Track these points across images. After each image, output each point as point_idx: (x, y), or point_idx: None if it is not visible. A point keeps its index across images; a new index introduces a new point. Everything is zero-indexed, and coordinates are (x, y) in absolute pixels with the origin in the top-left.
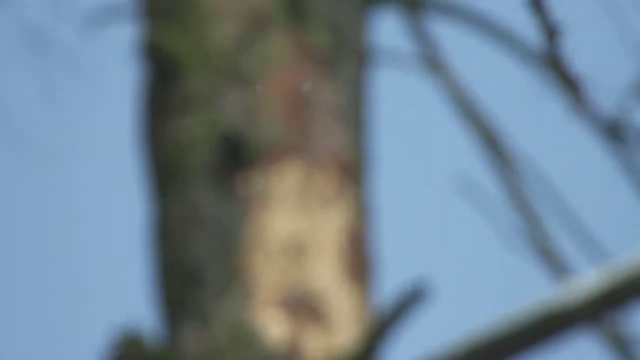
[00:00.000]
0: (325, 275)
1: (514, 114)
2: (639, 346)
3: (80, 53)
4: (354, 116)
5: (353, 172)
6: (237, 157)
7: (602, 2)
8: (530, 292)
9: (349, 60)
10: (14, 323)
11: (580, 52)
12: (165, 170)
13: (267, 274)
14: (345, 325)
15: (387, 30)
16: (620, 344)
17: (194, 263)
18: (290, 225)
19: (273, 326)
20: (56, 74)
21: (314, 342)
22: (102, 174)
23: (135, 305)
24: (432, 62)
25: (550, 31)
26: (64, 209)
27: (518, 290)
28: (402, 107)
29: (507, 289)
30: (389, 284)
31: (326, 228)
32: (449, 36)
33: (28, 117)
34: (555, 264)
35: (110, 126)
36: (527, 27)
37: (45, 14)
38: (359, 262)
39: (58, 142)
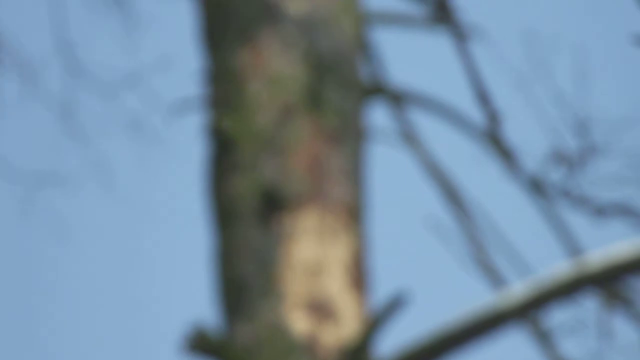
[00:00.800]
0: (335, 286)
1: (467, 175)
2: (556, 338)
3: (167, 132)
4: (356, 176)
5: (355, 215)
6: (273, 205)
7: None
8: (476, 299)
9: (352, 136)
10: (114, 320)
11: (512, 128)
12: (224, 214)
13: (294, 286)
14: (349, 322)
15: (378, 115)
16: (542, 337)
17: (243, 279)
18: (310, 251)
19: (298, 323)
20: (149, 148)
21: (328, 334)
22: (181, 218)
23: (203, 310)
24: (409, 138)
25: (492, 115)
26: (154, 242)
27: (468, 297)
28: (390, 170)
29: (461, 297)
30: (380, 293)
31: (336, 254)
32: (421, 119)
33: (131, 178)
34: (494, 279)
35: (186, 183)
36: (476, 112)
37: (143, 104)
38: (359, 278)
39: (152, 194)
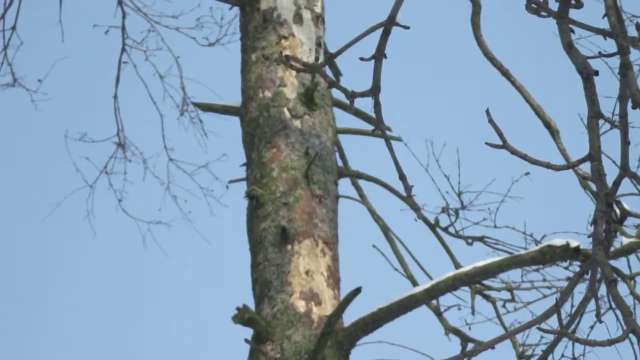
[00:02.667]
0: (321, 285)
1: (396, 219)
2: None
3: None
4: (332, 222)
5: (331, 244)
6: (285, 238)
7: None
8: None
9: (330, 199)
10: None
11: (420, 194)
12: (257, 243)
13: (297, 284)
14: (329, 305)
15: (344, 185)
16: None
17: (268, 280)
18: (307, 265)
19: (299, 306)
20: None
21: (317, 312)
22: (231, 253)
23: (246, 299)
24: (362, 198)
25: (407, 187)
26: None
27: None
28: (351, 218)
29: (390, 292)
30: (344, 289)
31: (320, 266)
32: (369, 188)
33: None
34: (410, 278)
35: (235, 225)
36: (399, 185)
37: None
38: (334, 280)
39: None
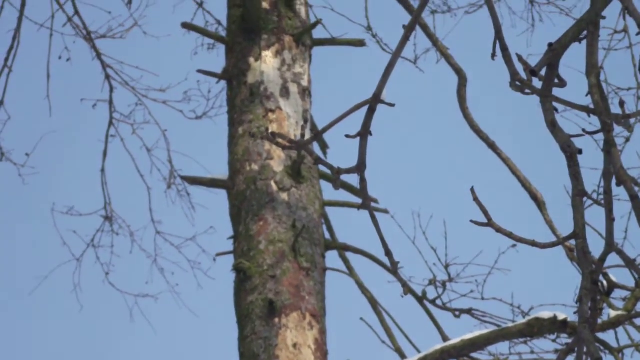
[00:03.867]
0: (310, 358)
1: (383, 292)
2: None
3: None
4: (319, 295)
5: (318, 317)
6: (273, 311)
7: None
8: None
9: (317, 272)
10: None
11: (407, 267)
12: (244, 316)
13: (285, 358)
14: None
15: (331, 258)
16: None
17: (255, 354)
18: (294, 337)
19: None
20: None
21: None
22: (218, 326)
23: None
24: (350, 271)
25: (393, 262)
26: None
27: None
28: (337, 290)
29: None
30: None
31: (308, 339)
32: (356, 260)
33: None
34: (397, 350)
35: (222, 298)
36: (384, 259)
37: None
38: (322, 352)
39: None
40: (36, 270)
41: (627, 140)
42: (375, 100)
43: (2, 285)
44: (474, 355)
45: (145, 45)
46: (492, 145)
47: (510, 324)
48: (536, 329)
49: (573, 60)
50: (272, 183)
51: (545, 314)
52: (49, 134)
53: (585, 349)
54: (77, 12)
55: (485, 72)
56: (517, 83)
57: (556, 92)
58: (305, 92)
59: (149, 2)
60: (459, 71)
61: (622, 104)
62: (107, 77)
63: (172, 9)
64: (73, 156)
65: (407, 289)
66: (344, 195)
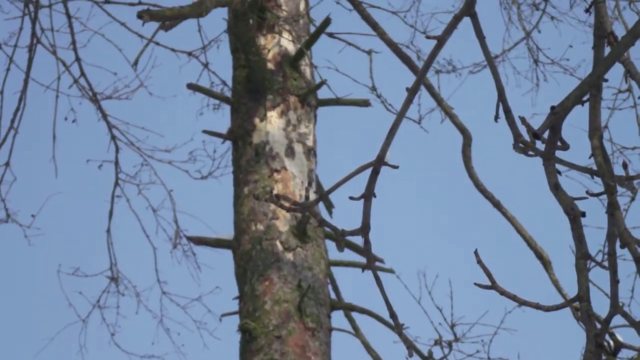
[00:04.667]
0: None
1: (388, 351)
2: None
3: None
4: (325, 355)
5: None
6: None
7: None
8: None
9: (323, 332)
10: None
11: (412, 326)
12: None
13: None
14: None
15: (337, 317)
16: None
17: None
18: None
19: None
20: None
21: None
22: None
23: None
24: (355, 330)
25: (397, 323)
26: None
27: None
28: (344, 349)
29: None
30: None
31: None
32: (362, 320)
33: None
34: None
35: (225, 357)
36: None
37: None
38: None
39: None
40: (42, 332)
41: (632, 199)
42: (379, 163)
43: (8, 346)
44: None
45: (151, 105)
46: (497, 205)
47: None
48: None
49: (576, 121)
50: (278, 243)
51: None
52: (54, 195)
53: None
54: (83, 74)
55: (490, 131)
56: (521, 145)
57: (559, 154)
58: (311, 152)
59: (154, 63)
60: (463, 131)
61: (625, 165)
62: (113, 137)
63: (177, 70)
64: (79, 217)
65: (413, 350)
66: (349, 255)
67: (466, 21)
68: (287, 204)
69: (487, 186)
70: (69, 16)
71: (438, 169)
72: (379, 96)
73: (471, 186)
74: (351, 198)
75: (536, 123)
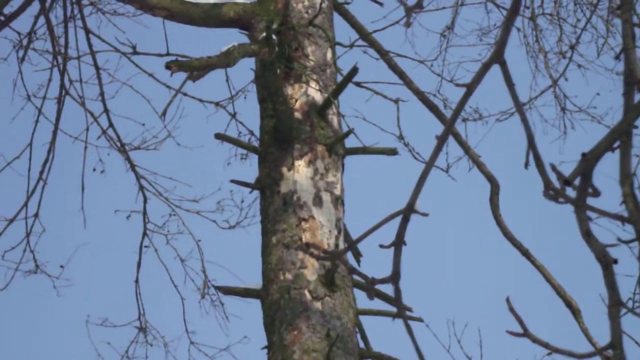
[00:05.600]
0: None
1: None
2: None
3: None
4: None
5: None
6: None
7: None
8: None
9: None
10: None
11: None
12: None
13: None
14: None
15: None
16: None
17: None
18: None
19: None
20: None
21: None
22: None
23: None
24: None
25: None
26: None
27: None
28: None
29: None
30: None
31: None
32: None
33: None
34: None
35: None
36: None
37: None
38: None
39: None
40: None
41: None
42: (409, 210)
43: None
44: None
45: (178, 155)
46: (525, 253)
47: None
48: None
49: (607, 168)
50: (306, 292)
51: None
52: (83, 246)
53: None
54: (111, 125)
55: (518, 179)
56: (551, 192)
57: (590, 200)
58: (338, 201)
59: (182, 113)
60: (491, 179)
61: None
62: (141, 188)
63: (205, 120)
64: (107, 267)
65: None
66: (377, 304)
67: (492, 69)
68: (317, 253)
69: (516, 234)
70: (97, 67)
71: (466, 217)
72: (406, 145)
73: (499, 234)
74: (381, 246)
75: (564, 171)
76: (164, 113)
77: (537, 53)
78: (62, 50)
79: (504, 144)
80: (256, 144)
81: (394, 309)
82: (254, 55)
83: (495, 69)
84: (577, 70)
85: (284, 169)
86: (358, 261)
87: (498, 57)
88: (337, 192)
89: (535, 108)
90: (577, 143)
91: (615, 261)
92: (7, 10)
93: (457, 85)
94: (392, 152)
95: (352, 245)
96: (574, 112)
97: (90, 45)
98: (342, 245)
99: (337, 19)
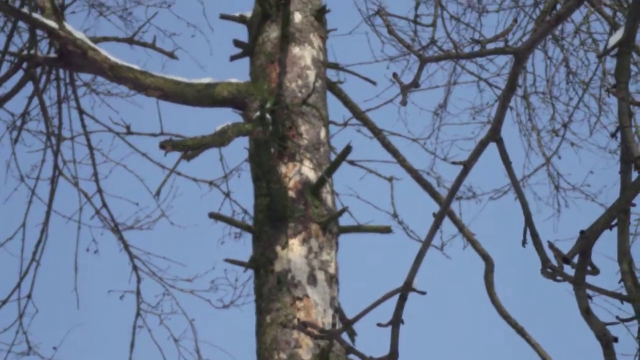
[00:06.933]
0: None
1: None
2: None
3: None
4: None
5: None
6: None
7: None
8: None
9: None
10: None
11: None
12: None
13: None
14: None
15: None
16: None
17: None
18: None
19: None
20: None
21: None
22: None
23: None
24: None
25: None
26: None
27: None
28: None
29: None
30: None
31: None
32: None
33: None
34: None
35: None
36: None
37: None
38: None
39: None
40: None
41: None
42: (406, 288)
43: None
44: None
45: (172, 235)
46: (520, 331)
47: None
48: None
49: (604, 246)
50: None
51: None
52: (76, 327)
53: None
54: (104, 205)
55: (512, 255)
56: (549, 270)
57: (589, 279)
58: (333, 280)
59: (176, 192)
60: (485, 257)
61: None
62: (135, 268)
63: (199, 199)
64: (101, 348)
65: None
66: None
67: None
68: (313, 331)
69: (511, 311)
70: (90, 148)
71: (461, 294)
72: (400, 223)
73: (494, 311)
74: (379, 325)
75: (560, 249)
76: (158, 192)
77: (530, 131)
78: (56, 131)
79: (498, 220)
80: (250, 222)
81: None
82: (247, 135)
83: (490, 146)
84: (570, 148)
85: (278, 248)
86: (352, 340)
87: (494, 134)
88: (332, 270)
89: (529, 186)
90: (571, 221)
91: (616, 339)
92: (1, 91)
93: (454, 163)
94: (387, 230)
95: (349, 324)
96: (568, 190)
97: (84, 126)
98: (337, 325)
99: (331, 97)
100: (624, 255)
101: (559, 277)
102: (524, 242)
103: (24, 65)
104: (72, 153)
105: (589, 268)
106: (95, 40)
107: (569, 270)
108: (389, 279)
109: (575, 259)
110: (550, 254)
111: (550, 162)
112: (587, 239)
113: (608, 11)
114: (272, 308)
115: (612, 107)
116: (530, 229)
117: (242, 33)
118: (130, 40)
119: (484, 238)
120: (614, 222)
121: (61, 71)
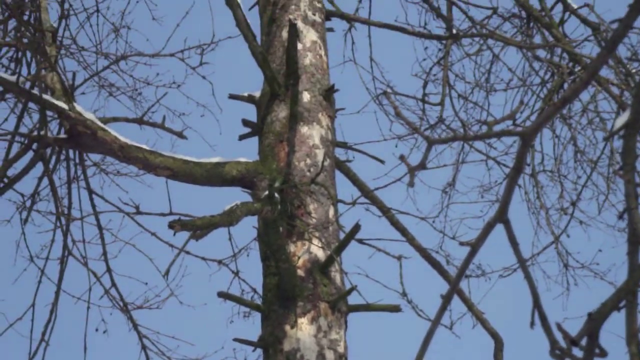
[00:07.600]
0: None
1: None
2: None
3: None
4: None
5: None
6: None
7: None
8: None
9: None
10: None
11: None
12: None
13: None
14: None
15: None
16: None
17: None
18: None
19: None
20: None
21: None
22: None
23: None
24: None
25: None
26: None
27: None
28: None
29: None
30: None
31: None
32: None
33: None
34: None
35: None
36: None
37: None
38: None
39: None
40: None
41: None
42: None
43: None
44: None
45: (181, 314)
46: None
47: None
48: None
49: (613, 327)
50: None
51: None
52: None
53: None
54: (114, 284)
55: (522, 335)
56: (557, 352)
57: None
58: (342, 359)
59: (185, 272)
60: (495, 335)
61: None
62: (144, 347)
63: (208, 278)
64: None
65: None
66: None
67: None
68: None
69: None
70: (100, 228)
71: None
72: (409, 302)
73: None
74: None
75: (569, 327)
76: (167, 272)
77: (538, 209)
78: (66, 211)
79: (507, 298)
80: (259, 301)
81: None
82: (256, 214)
83: (499, 226)
84: (579, 226)
85: (287, 327)
86: None
87: (501, 216)
88: (341, 349)
89: (537, 264)
90: (580, 299)
91: None
92: (11, 172)
93: (462, 244)
94: (395, 309)
95: None
96: (577, 269)
97: (93, 206)
98: None
99: (339, 176)
100: (632, 337)
101: (567, 359)
102: (532, 324)
103: (34, 146)
104: (82, 233)
105: (597, 350)
106: (105, 120)
107: (577, 352)
108: (398, 358)
109: (584, 341)
110: (558, 335)
111: (559, 240)
112: (595, 321)
113: (615, 90)
114: None
115: (620, 186)
116: (538, 311)
117: (250, 113)
118: (139, 121)
119: (493, 316)
120: (622, 304)
121: (71, 151)
